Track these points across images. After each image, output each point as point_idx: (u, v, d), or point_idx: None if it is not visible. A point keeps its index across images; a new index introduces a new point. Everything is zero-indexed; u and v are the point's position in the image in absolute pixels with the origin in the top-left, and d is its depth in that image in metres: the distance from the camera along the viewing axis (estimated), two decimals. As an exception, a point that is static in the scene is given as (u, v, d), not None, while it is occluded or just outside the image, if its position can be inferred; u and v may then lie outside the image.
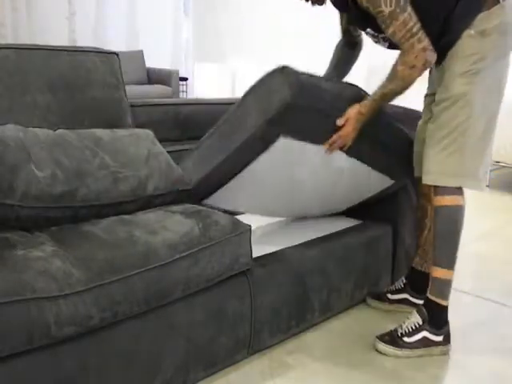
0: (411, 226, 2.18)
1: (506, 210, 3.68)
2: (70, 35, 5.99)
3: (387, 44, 1.82)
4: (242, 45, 6.49)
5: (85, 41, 5.95)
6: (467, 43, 1.69)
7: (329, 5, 1.83)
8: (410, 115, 2.10)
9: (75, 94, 1.81)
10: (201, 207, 1.67)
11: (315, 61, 4.37)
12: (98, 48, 1.96)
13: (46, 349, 1.21)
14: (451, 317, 1.83)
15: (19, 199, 1.40)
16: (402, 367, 1.75)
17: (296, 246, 1.90)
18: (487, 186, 4.16)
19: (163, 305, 1.43)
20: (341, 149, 1.74)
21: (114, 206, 1.58)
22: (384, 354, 1.80)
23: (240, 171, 1.73)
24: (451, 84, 1.72)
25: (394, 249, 2.19)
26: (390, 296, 2.10)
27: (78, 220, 1.53)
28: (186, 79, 6.81)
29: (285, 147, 1.66)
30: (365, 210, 2.18)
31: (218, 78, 6.61)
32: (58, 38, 5.65)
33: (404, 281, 2.09)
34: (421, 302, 2.02)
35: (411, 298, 2.06)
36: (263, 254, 1.79)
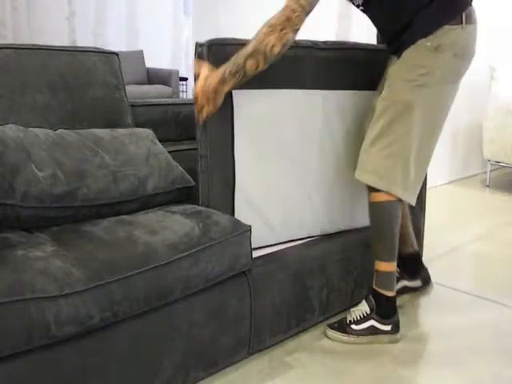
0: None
1: (506, 210, 3.68)
2: (70, 35, 5.98)
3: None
4: (242, 45, 6.47)
5: (85, 41, 5.95)
6: (420, 53, 1.72)
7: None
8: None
9: (75, 94, 1.81)
10: (201, 207, 1.67)
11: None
12: (98, 48, 1.97)
13: (46, 349, 1.21)
14: (451, 317, 1.83)
15: (19, 199, 1.41)
16: (401, 367, 1.75)
17: (296, 246, 1.90)
18: (487, 186, 4.16)
19: (163, 305, 1.43)
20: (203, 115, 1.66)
21: (114, 205, 1.59)
22: (331, 339, 1.87)
23: None
24: (394, 85, 1.76)
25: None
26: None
27: (78, 220, 1.53)
28: (186, 79, 6.81)
29: None
30: (365, 210, 2.18)
31: (218, 78, 6.59)
32: (58, 38, 5.65)
33: (398, 270, 2.10)
34: (418, 283, 2.09)
35: (409, 284, 2.09)
36: (263, 253, 1.79)
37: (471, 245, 2.95)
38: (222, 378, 1.65)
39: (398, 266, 2.10)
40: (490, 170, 4.28)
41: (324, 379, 1.68)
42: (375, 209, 1.83)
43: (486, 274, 2.59)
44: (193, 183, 1.79)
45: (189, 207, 1.67)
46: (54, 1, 5.81)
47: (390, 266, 1.86)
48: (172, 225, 1.51)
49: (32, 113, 1.70)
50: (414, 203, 1.84)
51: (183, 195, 1.77)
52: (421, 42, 1.70)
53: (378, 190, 1.79)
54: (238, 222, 1.62)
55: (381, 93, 1.85)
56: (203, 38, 1.75)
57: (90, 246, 1.37)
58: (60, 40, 5.67)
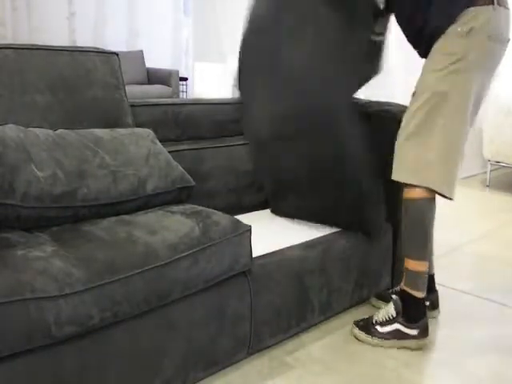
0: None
1: (506, 210, 3.68)
2: (70, 35, 5.98)
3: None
4: (242, 45, 6.48)
5: (85, 41, 5.95)
6: (450, 40, 1.65)
7: None
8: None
9: (75, 94, 1.81)
10: (201, 207, 1.67)
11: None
12: (98, 48, 1.96)
13: (46, 349, 1.21)
14: (451, 317, 1.83)
15: (20, 199, 1.41)
16: (401, 367, 1.75)
17: (296, 245, 1.90)
18: (487, 185, 4.16)
19: (163, 305, 1.43)
20: None
21: (114, 205, 1.59)
22: (357, 339, 1.86)
23: None
24: (426, 78, 1.71)
25: (393, 249, 2.19)
26: (394, 297, 2.10)
27: (78, 220, 1.53)
28: (185, 79, 6.81)
29: None
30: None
31: (218, 77, 6.61)
32: (58, 37, 5.65)
33: None
34: (426, 302, 2.03)
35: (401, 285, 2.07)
36: (263, 253, 1.79)
37: (471, 245, 2.95)
38: (221, 378, 1.65)
39: None
40: (490, 170, 4.28)
41: (324, 379, 1.68)
42: (408, 205, 1.78)
43: (486, 274, 2.59)
44: (193, 183, 1.79)
45: (189, 207, 1.67)
46: (54, 1, 5.80)
47: (419, 265, 1.80)
48: (172, 225, 1.51)
49: (32, 113, 1.70)
50: (453, 197, 1.76)
51: (183, 195, 1.77)
52: (451, 30, 1.64)
53: (412, 186, 1.74)
54: (238, 221, 1.62)
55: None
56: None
57: (89, 245, 1.36)
58: (60, 40, 5.67)
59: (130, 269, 1.32)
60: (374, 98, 2.29)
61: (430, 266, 2.03)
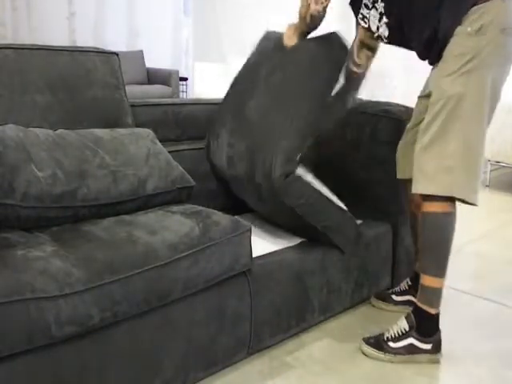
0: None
1: (506, 210, 3.68)
2: (70, 35, 5.98)
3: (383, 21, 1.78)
4: (242, 45, 6.48)
5: (85, 41, 5.95)
6: (461, 42, 1.61)
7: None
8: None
9: (75, 94, 1.81)
10: (201, 207, 1.67)
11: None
12: (98, 48, 1.96)
13: (46, 349, 1.21)
14: (451, 317, 1.83)
15: (20, 199, 1.41)
16: (401, 368, 1.75)
17: (296, 245, 1.90)
18: (487, 185, 4.16)
19: (163, 305, 1.43)
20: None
21: (114, 205, 1.59)
22: (367, 356, 1.79)
23: None
24: (440, 84, 1.66)
25: (393, 249, 2.19)
26: (394, 297, 2.10)
27: (78, 220, 1.53)
28: (185, 79, 6.81)
29: None
30: (365, 210, 2.18)
31: (218, 78, 6.60)
32: (58, 37, 5.65)
33: (409, 283, 2.09)
34: None
35: (415, 300, 2.06)
36: (263, 253, 1.79)
37: (471, 245, 2.95)
38: (221, 378, 1.65)
39: (410, 279, 2.09)
40: (490, 170, 4.28)
41: (324, 379, 1.68)
42: (428, 219, 1.72)
43: (486, 274, 2.59)
44: (193, 183, 1.79)
45: (189, 207, 1.67)
46: (54, 1, 5.81)
47: (437, 282, 1.74)
48: (172, 225, 1.51)
49: (32, 113, 1.70)
50: (477, 203, 1.68)
51: (183, 195, 1.77)
52: (460, 31, 1.60)
53: (432, 199, 1.68)
54: (238, 221, 1.62)
55: (421, 99, 1.80)
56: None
57: (89, 245, 1.36)
58: (60, 40, 5.68)
59: (130, 269, 1.32)
60: (374, 98, 2.29)
61: None
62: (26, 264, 1.22)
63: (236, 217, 1.67)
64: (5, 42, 1.88)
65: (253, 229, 1.65)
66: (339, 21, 3.72)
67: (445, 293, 2.10)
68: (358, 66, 1.86)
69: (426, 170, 1.67)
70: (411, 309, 2.03)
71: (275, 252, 1.83)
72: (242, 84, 2.03)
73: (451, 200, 1.69)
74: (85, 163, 1.55)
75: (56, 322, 1.19)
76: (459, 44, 1.62)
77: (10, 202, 1.40)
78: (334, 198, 1.85)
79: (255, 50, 2.07)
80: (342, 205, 1.87)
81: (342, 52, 1.83)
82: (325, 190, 1.82)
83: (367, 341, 1.82)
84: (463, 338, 1.94)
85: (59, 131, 1.63)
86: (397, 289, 2.12)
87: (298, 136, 1.75)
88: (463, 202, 1.70)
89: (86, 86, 1.84)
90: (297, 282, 1.81)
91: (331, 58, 1.82)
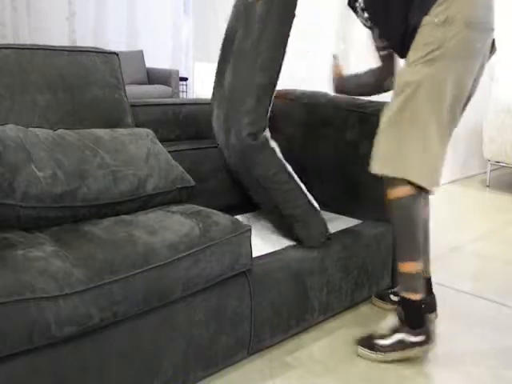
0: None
1: (506, 210, 3.68)
2: (70, 35, 5.98)
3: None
4: (242, 45, 6.47)
5: (85, 41, 5.95)
6: (427, 32, 1.62)
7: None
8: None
9: (75, 94, 1.81)
10: (201, 207, 1.67)
11: (314, 60, 4.37)
12: (98, 48, 1.97)
13: (46, 349, 1.21)
14: (451, 317, 1.83)
15: (20, 199, 1.41)
16: (401, 368, 1.75)
17: (296, 245, 1.90)
18: (487, 185, 4.16)
19: (163, 305, 1.43)
20: None
21: (113, 205, 1.59)
22: (362, 357, 1.78)
23: None
24: (403, 72, 1.69)
25: (394, 249, 2.19)
26: (392, 297, 2.10)
27: (78, 220, 1.53)
28: (186, 79, 6.81)
29: None
30: (365, 210, 2.18)
31: (218, 78, 6.59)
32: (58, 38, 5.65)
33: None
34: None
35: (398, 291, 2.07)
36: (263, 253, 1.79)
37: (471, 245, 2.95)
38: (221, 377, 1.65)
39: None
40: (490, 170, 4.28)
41: (324, 379, 1.68)
42: (393, 205, 1.74)
43: (486, 274, 2.59)
44: (193, 183, 1.79)
45: (189, 207, 1.67)
46: (54, 1, 5.81)
47: (414, 266, 1.74)
48: (172, 225, 1.51)
49: (32, 113, 1.70)
50: (434, 190, 1.72)
51: (183, 195, 1.77)
52: (427, 21, 1.61)
53: (394, 186, 1.70)
54: (238, 221, 1.62)
55: None
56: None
57: (90, 245, 1.36)
58: (60, 40, 5.67)
59: (130, 269, 1.32)
60: (372, 98, 2.29)
61: (427, 270, 2.03)
62: (26, 264, 1.22)
63: (236, 217, 1.67)
64: (5, 42, 1.88)
65: (253, 229, 1.65)
66: (339, 23, 3.74)
67: (445, 293, 2.11)
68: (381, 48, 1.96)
69: (381, 152, 1.71)
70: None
71: (275, 252, 1.83)
72: (221, 55, 2.08)
73: (412, 184, 1.70)
74: (85, 163, 1.55)
75: (56, 321, 1.19)
76: (425, 34, 1.63)
77: (10, 201, 1.40)
78: (304, 188, 1.88)
79: (231, 13, 2.09)
80: (310, 197, 1.89)
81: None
82: (296, 178, 1.86)
83: (360, 342, 1.82)
84: (463, 337, 1.95)
85: (59, 131, 1.63)
86: (395, 289, 2.12)
87: (260, 90, 1.79)
88: (421, 188, 1.71)
89: (85, 85, 1.84)
90: (297, 282, 1.81)
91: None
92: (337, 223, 2.16)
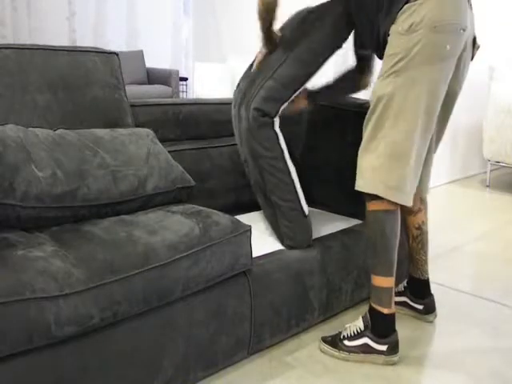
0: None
1: (505, 210, 3.68)
2: (70, 35, 5.98)
3: None
4: (242, 45, 6.49)
5: (85, 41, 5.95)
6: (392, 41, 1.60)
7: None
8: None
9: (75, 94, 1.81)
10: (201, 207, 1.68)
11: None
12: (98, 48, 1.97)
13: (46, 349, 1.21)
14: (451, 317, 1.83)
15: (20, 199, 1.41)
16: (401, 367, 1.75)
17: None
18: (487, 186, 4.16)
19: (163, 305, 1.43)
20: None
21: (113, 205, 1.59)
22: (323, 353, 1.81)
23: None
24: (375, 85, 1.67)
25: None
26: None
27: (78, 220, 1.53)
28: (186, 79, 6.82)
29: None
30: (365, 210, 2.18)
31: (218, 78, 6.61)
32: (58, 37, 5.65)
33: (405, 284, 2.09)
34: (420, 307, 2.02)
35: (410, 302, 2.06)
36: (263, 253, 1.79)
37: (471, 245, 2.95)
38: (221, 377, 1.65)
39: (406, 281, 2.09)
40: (490, 170, 4.29)
41: (324, 379, 1.68)
42: (369, 218, 1.73)
43: (486, 273, 2.59)
44: (193, 183, 1.79)
45: (189, 207, 1.67)
46: (54, 1, 5.81)
47: (385, 282, 1.73)
48: (172, 225, 1.51)
49: (32, 113, 1.70)
50: (406, 203, 1.68)
51: (183, 195, 1.77)
52: (393, 30, 1.59)
53: (371, 199, 1.69)
54: (238, 221, 1.62)
55: None
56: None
57: (90, 246, 1.37)
58: (60, 40, 5.67)
59: (130, 269, 1.33)
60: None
61: (425, 271, 2.03)
62: (25, 264, 1.22)
63: (236, 217, 1.67)
64: (5, 42, 1.88)
65: (253, 229, 1.65)
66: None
67: (445, 293, 2.11)
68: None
69: (359, 167, 1.72)
70: (400, 309, 2.04)
71: (275, 252, 1.83)
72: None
73: (388, 200, 1.68)
74: (85, 163, 1.55)
75: (56, 322, 1.19)
76: (391, 44, 1.61)
77: (10, 201, 1.40)
78: (299, 188, 1.88)
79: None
80: (302, 200, 1.88)
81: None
82: (293, 175, 1.87)
83: (325, 339, 1.83)
84: (463, 337, 1.95)
85: (59, 131, 1.63)
86: (396, 288, 2.12)
87: (286, 78, 1.82)
88: (400, 205, 1.70)
89: (85, 85, 1.84)
90: (297, 282, 1.81)
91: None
92: (337, 223, 2.16)
